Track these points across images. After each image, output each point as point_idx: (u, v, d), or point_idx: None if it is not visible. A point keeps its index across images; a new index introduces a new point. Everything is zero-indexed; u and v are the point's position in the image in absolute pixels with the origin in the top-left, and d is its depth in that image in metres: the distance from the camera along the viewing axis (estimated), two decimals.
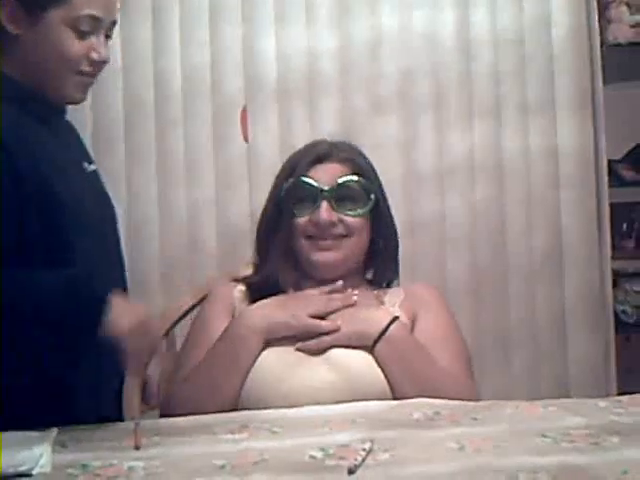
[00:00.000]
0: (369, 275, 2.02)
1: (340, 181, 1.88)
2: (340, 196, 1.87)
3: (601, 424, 1.37)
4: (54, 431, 1.42)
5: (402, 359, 1.69)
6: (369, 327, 1.73)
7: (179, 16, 2.75)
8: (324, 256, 1.87)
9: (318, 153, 1.93)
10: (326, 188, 1.86)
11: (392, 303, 1.88)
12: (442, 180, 2.83)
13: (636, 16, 3.02)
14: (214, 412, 1.61)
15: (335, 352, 1.72)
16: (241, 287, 1.96)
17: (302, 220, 1.88)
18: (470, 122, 2.84)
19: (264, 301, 1.82)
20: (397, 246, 2.02)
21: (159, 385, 1.90)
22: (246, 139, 2.78)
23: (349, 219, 1.88)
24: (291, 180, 1.91)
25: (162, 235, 2.74)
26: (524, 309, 2.83)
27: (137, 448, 1.34)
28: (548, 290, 2.83)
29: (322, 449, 1.29)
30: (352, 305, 1.79)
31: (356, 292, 1.86)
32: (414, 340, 1.76)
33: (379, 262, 1.99)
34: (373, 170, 1.99)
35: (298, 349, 1.73)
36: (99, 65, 1.70)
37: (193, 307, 2.16)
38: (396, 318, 1.75)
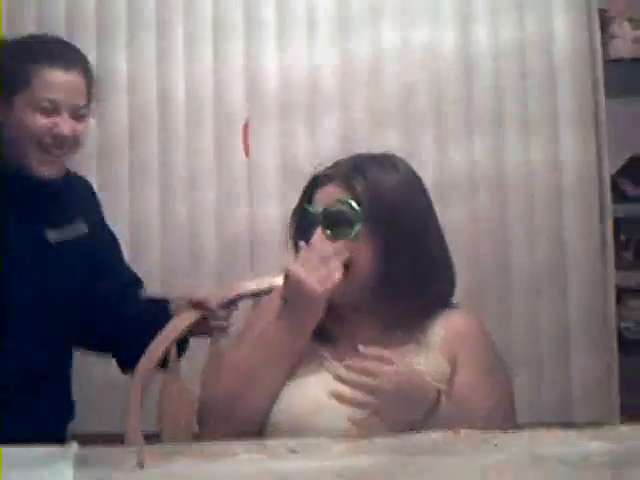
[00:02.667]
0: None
1: (327, 206, 1.71)
2: (331, 221, 1.70)
3: (621, 451, 1.35)
4: (74, 447, 1.39)
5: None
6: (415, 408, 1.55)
7: (183, 32, 2.77)
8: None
9: (320, 174, 1.77)
10: (319, 212, 1.71)
11: (432, 344, 1.70)
12: (443, 195, 2.82)
13: (638, 31, 3.03)
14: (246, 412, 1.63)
15: None
16: None
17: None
18: (471, 137, 2.84)
19: None
20: (430, 279, 1.74)
21: None
22: (247, 153, 2.78)
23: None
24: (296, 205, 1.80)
25: (164, 246, 2.76)
26: (527, 324, 2.83)
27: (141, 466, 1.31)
28: (551, 305, 2.83)
29: (341, 475, 1.27)
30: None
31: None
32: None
33: (397, 297, 1.71)
34: (387, 192, 1.75)
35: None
36: (62, 140, 1.92)
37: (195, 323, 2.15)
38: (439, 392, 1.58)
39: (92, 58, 2.70)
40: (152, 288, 2.67)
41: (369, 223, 1.69)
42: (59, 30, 2.73)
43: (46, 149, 1.91)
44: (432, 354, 1.69)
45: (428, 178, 2.78)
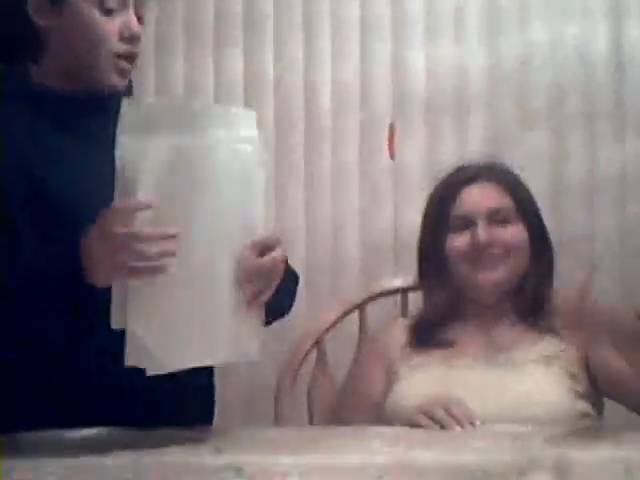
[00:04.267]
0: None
1: (496, 205, 1.86)
2: (496, 217, 1.85)
3: None
4: None
5: None
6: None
7: (330, 31, 2.80)
8: (486, 277, 1.83)
9: (468, 174, 1.92)
10: (481, 209, 1.85)
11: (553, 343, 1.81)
12: (592, 197, 2.75)
13: None
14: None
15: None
16: (400, 325, 1.97)
17: (459, 243, 1.85)
18: (623, 138, 2.76)
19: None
20: (551, 274, 1.93)
21: None
22: (392, 155, 2.78)
23: (506, 237, 1.84)
24: (444, 206, 1.89)
25: (308, 245, 2.79)
26: None
27: None
28: None
29: (481, 468, 1.25)
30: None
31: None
32: None
33: (533, 290, 1.87)
34: (526, 190, 1.96)
35: None
36: (133, 43, 1.60)
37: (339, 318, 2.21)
38: None
39: (239, 59, 2.81)
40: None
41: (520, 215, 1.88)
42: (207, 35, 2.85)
43: (116, 54, 1.58)
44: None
45: (577, 179, 2.75)
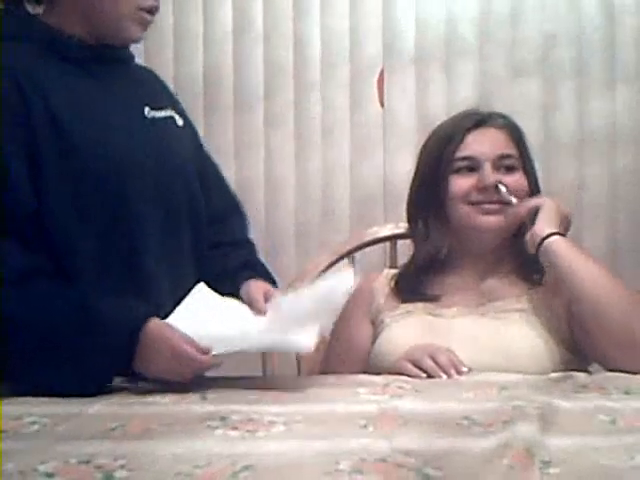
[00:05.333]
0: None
1: (504, 151, 1.82)
2: (502, 164, 1.81)
3: None
4: None
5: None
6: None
7: None
8: (488, 220, 1.78)
9: (478, 118, 1.86)
10: (489, 153, 1.80)
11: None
12: (582, 147, 2.75)
13: None
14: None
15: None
16: (386, 276, 1.95)
17: (464, 186, 1.80)
18: (613, 89, 2.75)
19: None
20: None
21: None
22: (382, 104, 2.76)
23: (510, 184, 1.79)
24: (450, 147, 1.83)
25: (297, 195, 2.78)
26: None
27: None
28: None
29: (467, 417, 1.25)
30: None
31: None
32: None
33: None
34: (526, 140, 1.92)
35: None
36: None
37: (329, 267, 2.19)
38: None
39: (228, 9, 2.78)
40: (286, 238, 2.76)
41: (522, 164, 1.84)
42: None
43: (142, 8, 1.60)
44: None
45: (567, 130, 2.74)
